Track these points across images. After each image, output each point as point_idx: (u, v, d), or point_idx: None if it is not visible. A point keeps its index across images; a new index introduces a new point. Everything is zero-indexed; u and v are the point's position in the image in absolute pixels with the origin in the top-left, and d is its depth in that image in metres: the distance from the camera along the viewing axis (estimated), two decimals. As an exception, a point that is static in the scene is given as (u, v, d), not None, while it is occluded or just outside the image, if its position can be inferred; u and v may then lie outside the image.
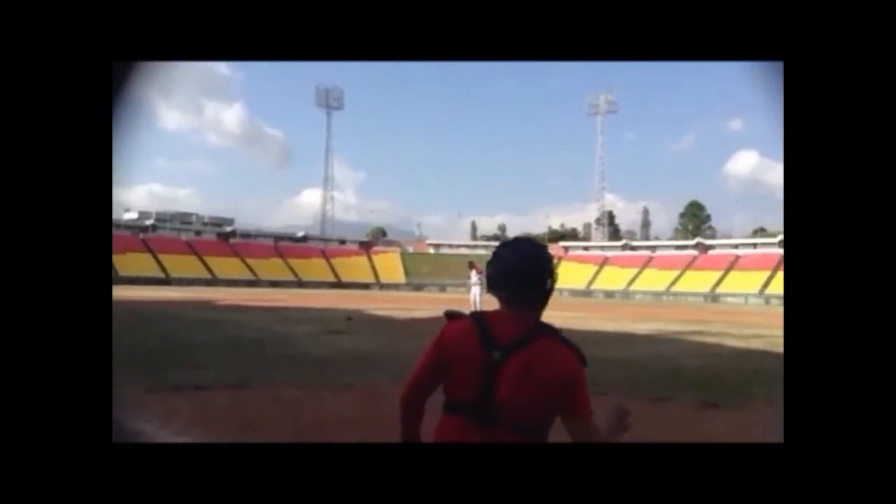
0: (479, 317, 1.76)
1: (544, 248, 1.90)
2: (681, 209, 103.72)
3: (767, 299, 58.15)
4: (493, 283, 1.78)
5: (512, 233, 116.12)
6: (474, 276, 21.31)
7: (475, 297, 20.75)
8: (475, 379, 1.65)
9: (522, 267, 1.76)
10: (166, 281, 59.21)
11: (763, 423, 5.93)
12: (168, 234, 75.74)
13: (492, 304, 1.87)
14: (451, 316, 1.83)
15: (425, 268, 79.00)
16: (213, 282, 64.09)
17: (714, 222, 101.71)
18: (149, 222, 74.00)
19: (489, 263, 1.82)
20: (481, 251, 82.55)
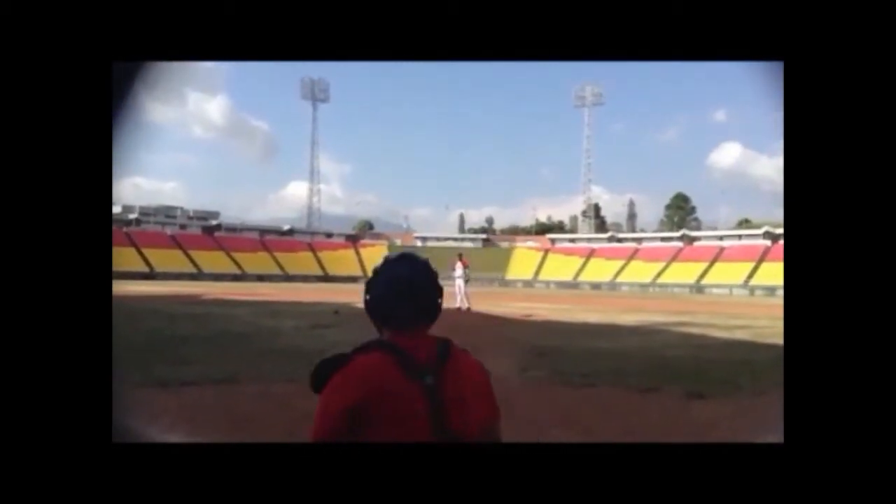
0: (386, 345, 1.55)
1: (429, 264, 1.72)
2: (666, 201, 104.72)
3: (752, 290, 58.85)
4: (387, 307, 1.61)
5: (500, 225, 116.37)
6: (459, 269, 21.29)
7: (460, 289, 20.68)
8: (420, 414, 1.43)
9: (423, 286, 1.63)
10: (151, 275, 58.64)
11: (749, 413, 6.03)
12: (152, 227, 74.98)
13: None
14: (328, 365, 1.52)
15: (412, 261, 78.73)
16: (199, 276, 63.64)
17: (699, 214, 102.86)
18: (132, 216, 73.12)
19: (371, 284, 1.64)
20: (468, 244, 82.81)
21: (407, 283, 1.61)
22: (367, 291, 1.65)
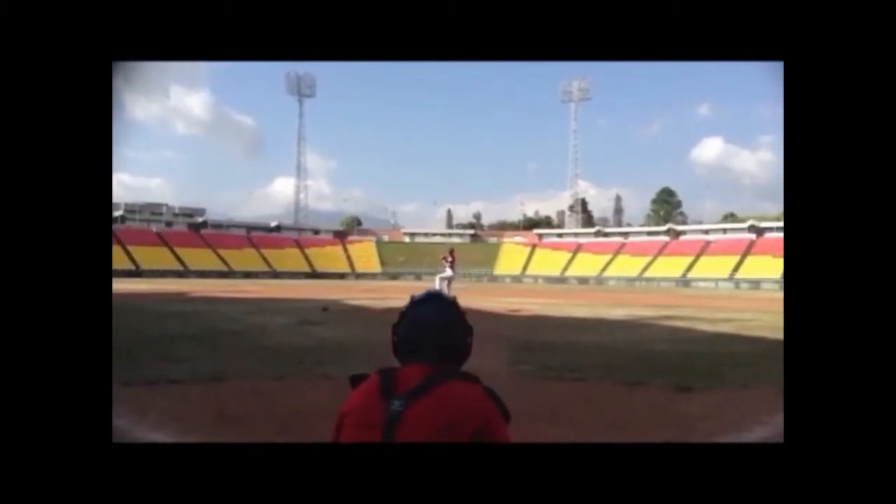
0: (386, 371, 1.55)
1: (456, 303, 1.70)
2: (652, 195, 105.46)
3: (737, 283, 59.46)
4: (412, 348, 1.57)
5: (487, 220, 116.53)
6: (446, 264, 21.24)
7: (443, 285, 20.53)
8: (375, 433, 1.43)
9: (448, 325, 1.59)
10: (137, 273, 58.15)
11: (736, 405, 6.09)
12: (138, 225, 74.40)
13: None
14: (356, 379, 1.60)
15: (401, 256, 78.92)
16: (185, 273, 63.26)
17: (685, 208, 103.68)
18: (118, 213, 72.39)
19: (397, 326, 1.62)
20: (456, 239, 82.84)
21: (432, 323, 1.59)
22: (394, 333, 1.63)
